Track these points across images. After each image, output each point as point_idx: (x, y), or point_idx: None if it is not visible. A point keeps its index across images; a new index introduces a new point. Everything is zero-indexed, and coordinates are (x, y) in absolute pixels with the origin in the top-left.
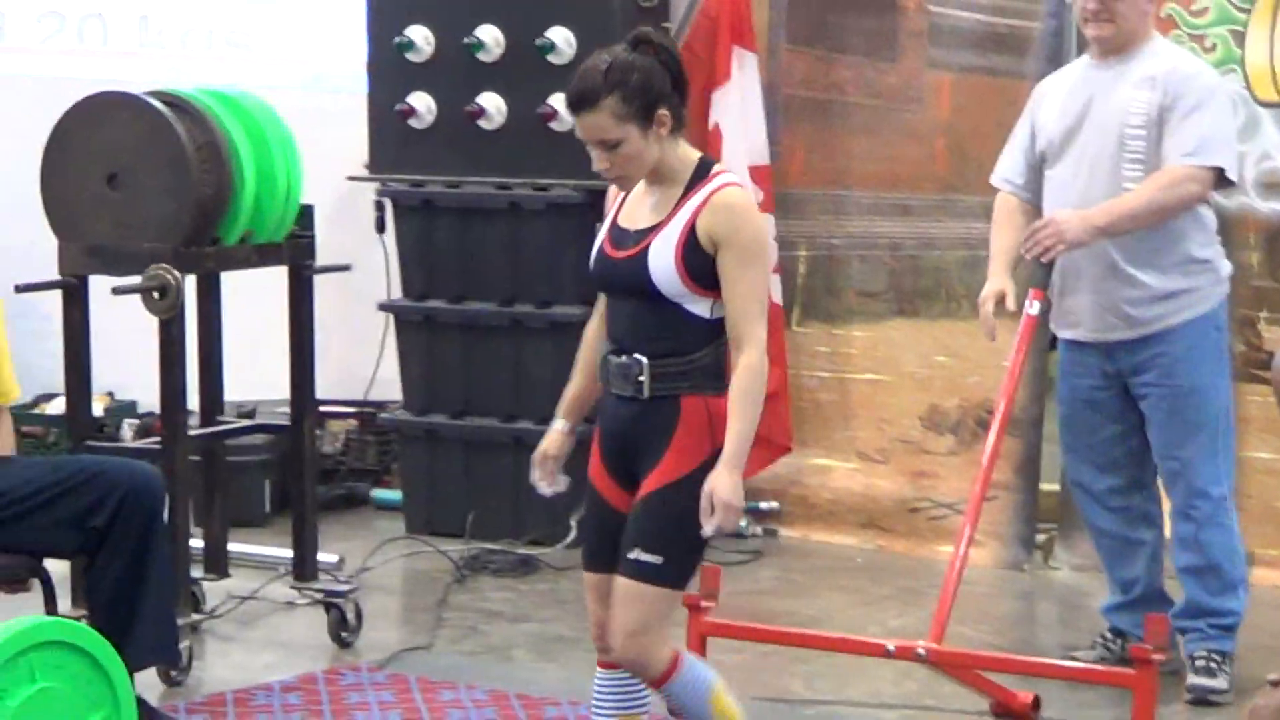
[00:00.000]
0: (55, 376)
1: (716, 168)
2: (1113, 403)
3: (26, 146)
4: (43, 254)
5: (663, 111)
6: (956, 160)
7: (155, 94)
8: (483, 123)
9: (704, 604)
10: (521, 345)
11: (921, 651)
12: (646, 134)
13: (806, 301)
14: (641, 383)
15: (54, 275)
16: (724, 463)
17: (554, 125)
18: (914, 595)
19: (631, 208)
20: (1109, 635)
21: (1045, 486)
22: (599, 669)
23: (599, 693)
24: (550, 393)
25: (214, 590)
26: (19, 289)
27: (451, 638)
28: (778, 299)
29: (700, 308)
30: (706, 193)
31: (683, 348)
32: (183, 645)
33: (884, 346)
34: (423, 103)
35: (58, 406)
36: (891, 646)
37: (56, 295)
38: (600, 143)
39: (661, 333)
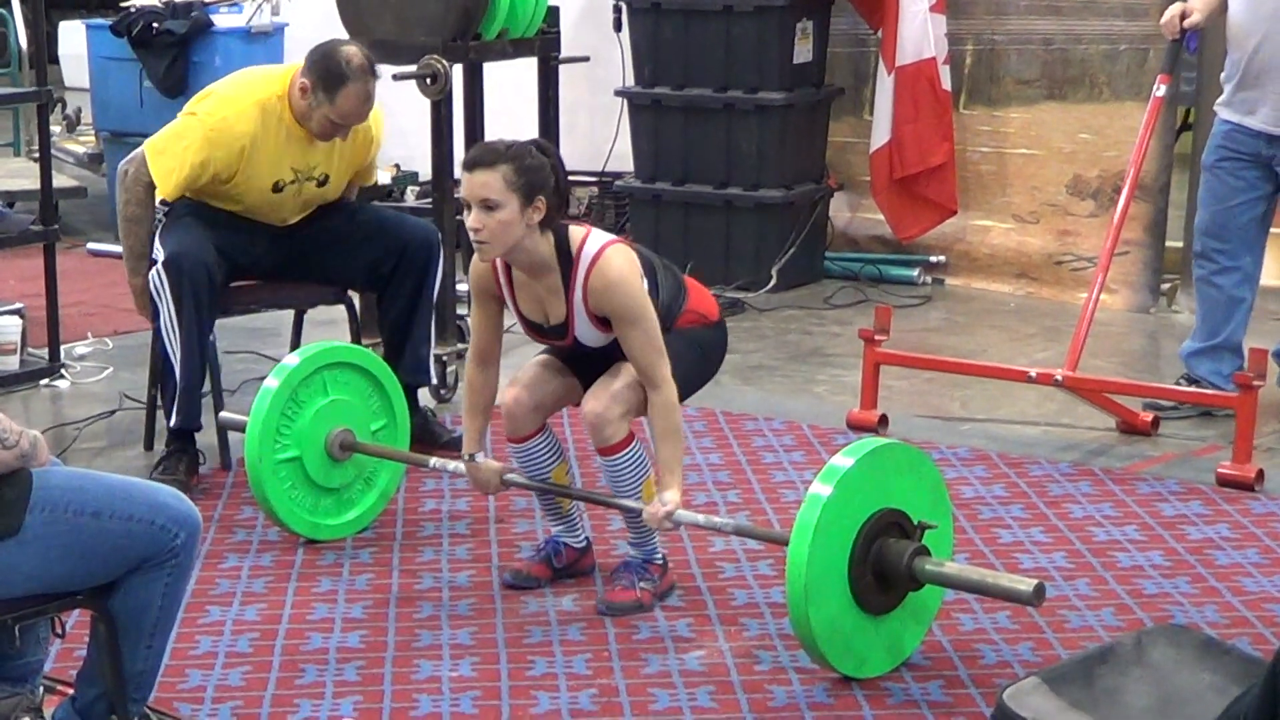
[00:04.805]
0: None
1: (573, 244)
2: (1251, 175)
3: None
4: None
5: (541, 199)
6: None
7: None
8: None
9: (877, 337)
10: (732, 124)
11: (1058, 377)
12: (523, 211)
13: (972, 88)
14: None
15: None
16: (674, 487)
17: None
18: (1056, 334)
19: (524, 298)
20: (1184, 381)
21: (1170, 243)
22: (512, 446)
23: (531, 456)
24: (756, 164)
25: None
26: None
27: None
28: (948, 86)
29: None
30: (582, 278)
31: None
32: (451, 369)
33: (1036, 126)
34: None
35: None
36: (1033, 373)
37: None
38: (483, 201)
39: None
